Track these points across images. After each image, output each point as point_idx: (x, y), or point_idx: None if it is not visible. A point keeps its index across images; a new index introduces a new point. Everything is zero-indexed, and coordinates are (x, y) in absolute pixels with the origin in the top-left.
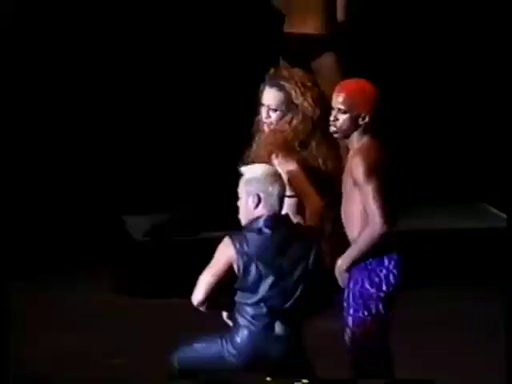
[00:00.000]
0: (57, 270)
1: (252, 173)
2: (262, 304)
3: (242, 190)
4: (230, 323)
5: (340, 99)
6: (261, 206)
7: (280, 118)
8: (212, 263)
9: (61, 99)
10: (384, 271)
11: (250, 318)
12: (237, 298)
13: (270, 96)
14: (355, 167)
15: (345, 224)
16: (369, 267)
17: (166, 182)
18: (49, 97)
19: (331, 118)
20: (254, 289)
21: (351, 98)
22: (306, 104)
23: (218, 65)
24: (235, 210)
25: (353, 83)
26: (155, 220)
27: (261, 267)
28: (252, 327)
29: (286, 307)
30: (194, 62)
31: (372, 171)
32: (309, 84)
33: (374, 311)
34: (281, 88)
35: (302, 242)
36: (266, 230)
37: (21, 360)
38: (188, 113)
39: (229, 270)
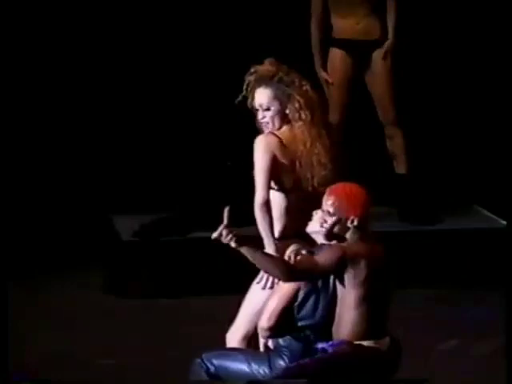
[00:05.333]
0: (44, 270)
1: None
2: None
3: None
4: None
5: (329, 202)
6: None
7: (275, 115)
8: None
9: (50, 101)
10: None
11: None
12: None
13: (260, 96)
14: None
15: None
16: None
17: (155, 183)
18: (38, 98)
19: (320, 220)
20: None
21: (340, 201)
22: (302, 87)
23: (209, 66)
24: (224, 210)
25: (342, 187)
26: (143, 220)
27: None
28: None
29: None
30: (187, 62)
31: (326, 259)
32: (287, 69)
33: None
34: (267, 84)
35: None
36: None
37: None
38: (176, 112)
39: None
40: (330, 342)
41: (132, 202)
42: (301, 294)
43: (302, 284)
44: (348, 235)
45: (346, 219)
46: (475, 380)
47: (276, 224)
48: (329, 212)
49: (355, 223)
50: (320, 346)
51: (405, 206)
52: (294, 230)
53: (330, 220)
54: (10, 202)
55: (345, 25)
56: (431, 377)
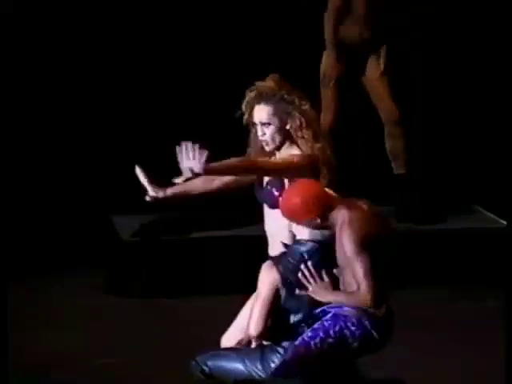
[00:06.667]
0: (44, 270)
1: None
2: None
3: None
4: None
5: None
6: None
7: (275, 132)
8: (259, 293)
9: (51, 101)
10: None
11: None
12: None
13: (260, 112)
14: (345, 243)
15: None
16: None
17: (154, 183)
18: (39, 99)
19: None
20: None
21: (292, 217)
22: (302, 106)
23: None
24: (223, 210)
25: (284, 205)
26: (143, 220)
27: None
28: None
29: None
30: (192, 63)
31: (361, 247)
32: (289, 88)
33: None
34: (267, 101)
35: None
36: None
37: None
38: (176, 112)
39: (276, 294)
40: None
41: (132, 202)
42: (283, 293)
43: (279, 283)
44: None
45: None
46: (475, 380)
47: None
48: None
49: (318, 221)
50: (318, 310)
51: (403, 206)
52: None
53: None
54: (11, 202)
55: (351, 31)
56: (431, 377)
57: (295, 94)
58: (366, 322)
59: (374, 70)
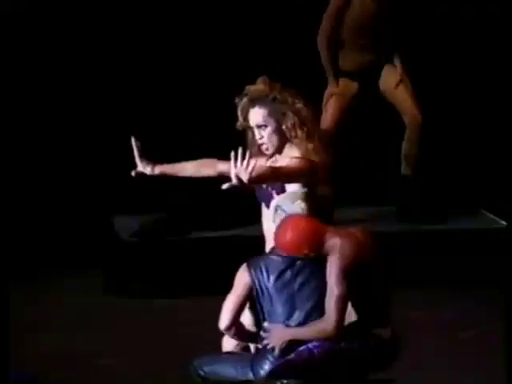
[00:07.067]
0: (44, 270)
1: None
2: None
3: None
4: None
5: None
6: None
7: (272, 132)
8: (232, 289)
9: (51, 101)
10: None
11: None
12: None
13: (255, 116)
14: (331, 269)
15: None
16: None
17: (155, 183)
18: (39, 99)
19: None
20: (268, 315)
21: (289, 252)
22: (295, 105)
23: (211, 67)
24: (223, 210)
25: (280, 241)
26: (143, 220)
27: (274, 295)
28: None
29: None
30: (189, 62)
31: (345, 275)
32: (280, 88)
33: None
34: (261, 104)
35: (320, 273)
36: (280, 258)
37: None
38: (175, 112)
39: (249, 295)
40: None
41: (132, 202)
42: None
43: (252, 281)
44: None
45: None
46: (475, 380)
47: None
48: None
49: (312, 254)
50: (311, 345)
51: (405, 206)
52: None
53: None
54: (11, 202)
55: (350, 59)
56: (431, 377)
57: (287, 92)
58: (370, 342)
59: (390, 80)
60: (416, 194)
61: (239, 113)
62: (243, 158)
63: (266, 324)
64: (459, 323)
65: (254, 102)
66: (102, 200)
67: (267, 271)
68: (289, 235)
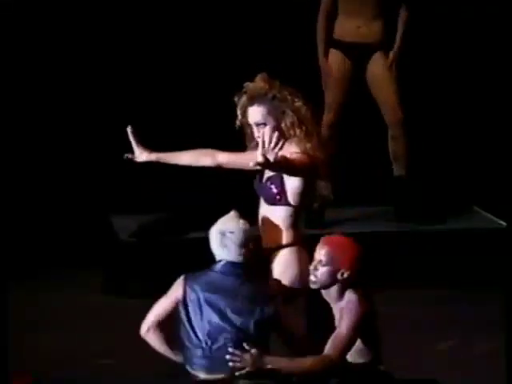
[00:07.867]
0: (44, 270)
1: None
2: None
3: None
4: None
5: (322, 252)
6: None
7: (272, 131)
8: (164, 296)
9: (50, 101)
10: None
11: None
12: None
13: (254, 114)
14: (347, 317)
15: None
16: None
17: (153, 183)
18: (38, 99)
19: (311, 267)
20: (196, 331)
21: (333, 253)
22: (294, 103)
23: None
24: (221, 210)
25: (337, 239)
26: (142, 220)
27: (206, 311)
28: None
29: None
30: (189, 62)
31: (355, 327)
32: (280, 86)
33: None
34: (260, 102)
35: (260, 295)
36: (221, 275)
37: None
38: (174, 111)
39: (176, 307)
40: None
41: (131, 202)
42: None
43: (183, 295)
44: (336, 287)
45: (337, 271)
46: (475, 380)
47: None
48: (321, 261)
49: (345, 276)
50: None
51: (403, 207)
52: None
53: (321, 269)
54: (10, 202)
55: (347, 26)
56: (431, 376)
57: (287, 90)
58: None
59: (379, 67)
60: (414, 194)
61: (238, 110)
62: (272, 141)
63: (245, 345)
64: (459, 323)
65: (253, 100)
66: (101, 200)
67: (202, 286)
68: (353, 250)
